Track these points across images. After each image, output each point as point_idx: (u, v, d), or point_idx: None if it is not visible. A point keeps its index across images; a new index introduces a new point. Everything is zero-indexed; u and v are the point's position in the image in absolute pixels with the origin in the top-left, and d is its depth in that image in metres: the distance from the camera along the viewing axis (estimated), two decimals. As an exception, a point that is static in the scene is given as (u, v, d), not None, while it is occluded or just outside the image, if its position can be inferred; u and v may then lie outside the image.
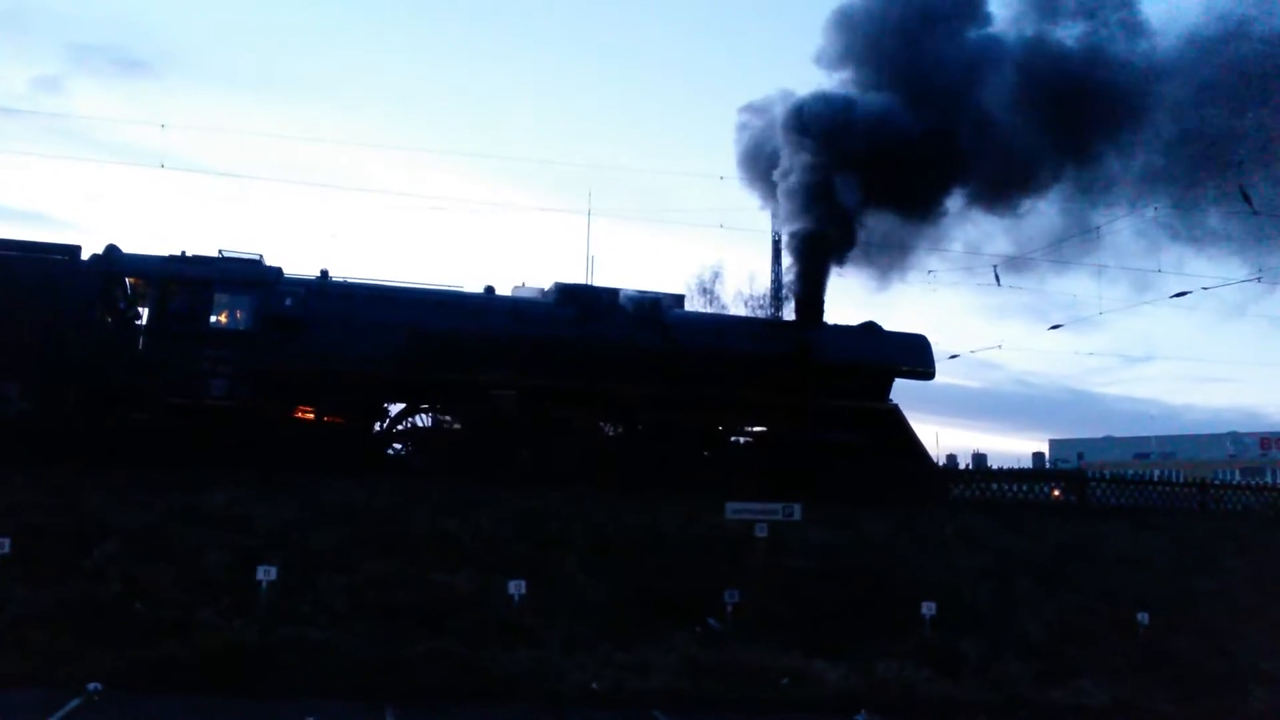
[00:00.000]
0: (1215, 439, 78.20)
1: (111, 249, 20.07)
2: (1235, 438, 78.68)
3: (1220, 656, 16.01)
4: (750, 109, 27.50)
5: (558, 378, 21.53)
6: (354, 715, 10.81)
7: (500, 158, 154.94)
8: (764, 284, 43.41)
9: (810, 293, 24.89)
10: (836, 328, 24.91)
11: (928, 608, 15.20)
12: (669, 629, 14.23)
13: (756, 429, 24.55)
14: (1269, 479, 55.20)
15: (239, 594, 13.24)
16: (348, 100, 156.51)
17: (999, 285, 27.38)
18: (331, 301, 20.80)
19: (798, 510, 17.61)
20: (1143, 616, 16.27)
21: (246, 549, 14.40)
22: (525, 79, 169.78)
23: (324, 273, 21.82)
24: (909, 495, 22.27)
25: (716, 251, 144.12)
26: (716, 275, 44.35)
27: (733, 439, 24.49)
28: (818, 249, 24.80)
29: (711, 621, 14.79)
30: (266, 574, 13.26)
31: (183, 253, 20.51)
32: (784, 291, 42.79)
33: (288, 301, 20.30)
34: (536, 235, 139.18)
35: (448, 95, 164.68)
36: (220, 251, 20.88)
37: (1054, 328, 27.18)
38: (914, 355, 24.73)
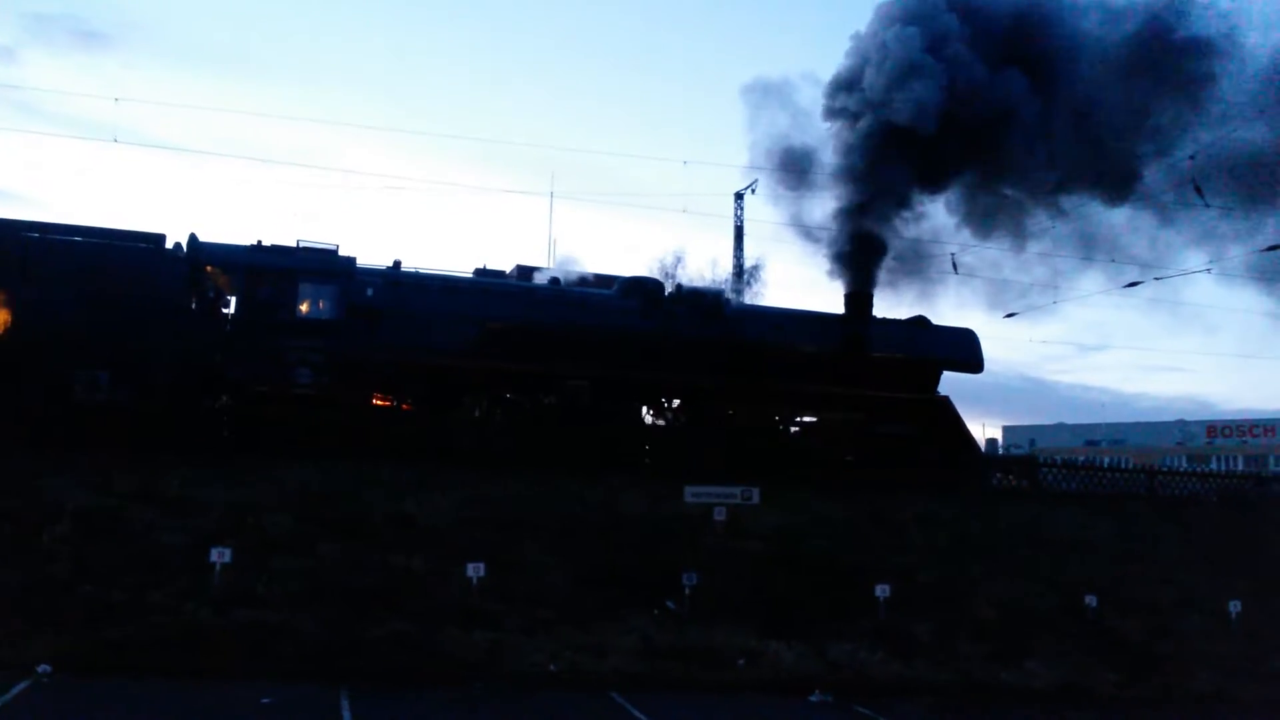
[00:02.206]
0: (1163, 427, 79.84)
1: (194, 238, 20.15)
2: (1183, 426, 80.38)
3: (1165, 638, 16.41)
4: (761, 90, 27.92)
5: (626, 369, 21.91)
6: (309, 697, 10.74)
7: (462, 138, 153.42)
8: (726, 268, 43.59)
9: (860, 286, 25.18)
10: (888, 321, 25.33)
11: (882, 590, 15.43)
12: (627, 611, 14.31)
13: (810, 419, 25.08)
14: (1214, 466, 56.55)
15: (192, 576, 13.10)
16: (307, 78, 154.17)
17: (956, 273, 27.68)
18: (407, 292, 21.03)
19: (756, 494, 17.82)
20: (1091, 599, 16.62)
21: (200, 531, 14.25)
22: (488, 59, 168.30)
23: (397, 263, 22.03)
24: (959, 483, 22.89)
25: (679, 235, 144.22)
26: (679, 259, 44.45)
27: (792, 429, 25.08)
28: (868, 242, 25.09)
29: (669, 604, 14.88)
30: (221, 556, 13.12)
31: (259, 241, 20.64)
32: (745, 277, 43.07)
33: (368, 292, 20.56)
34: (498, 216, 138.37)
35: (409, 74, 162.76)
36: (299, 241, 21.05)
37: (1009, 316, 27.55)
38: (962, 349, 25.32)
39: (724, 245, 44.45)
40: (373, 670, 11.69)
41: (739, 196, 43.21)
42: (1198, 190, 24.42)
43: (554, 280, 23.84)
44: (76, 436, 17.10)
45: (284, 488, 16.42)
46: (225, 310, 20.31)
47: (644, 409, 23.52)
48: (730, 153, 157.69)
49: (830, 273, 25.73)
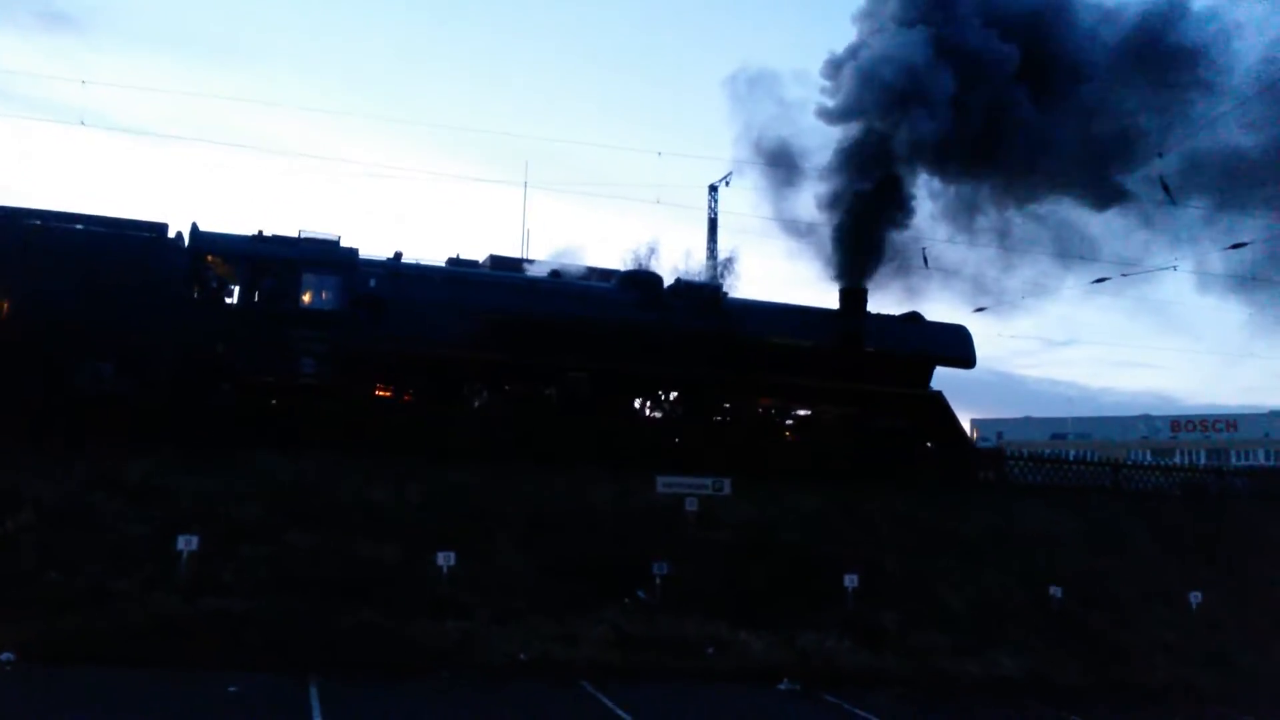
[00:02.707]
0: (1129, 421, 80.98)
1: (196, 228, 19.98)
2: (1148, 420, 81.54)
3: (1127, 629, 16.68)
4: (745, 81, 27.86)
5: (626, 362, 21.99)
6: (277, 687, 10.68)
7: (435, 126, 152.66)
8: (700, 259, 43.63)
9: (855, 282, 25.32)
10: (883, 317, 25.51)
11: (850, 580, 15.56)
12: (598, 601, 14.34)
13: (804, 413, 25.07)
14: (1178, 460, 57.36)
15: (158, 565, 12.98)
16: (279, 63, 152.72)
17: (926, 267, 27.85)
18: (409, 283, 20.93)
19: (727, 484, 17.89)
20: (1055, 591, 16.84)
21: (167, 520, 14.10)
22: (462, 49, 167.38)
23: (398, 254, 22.01)
24: (952, 477, 23.11)
25: (653, 227, 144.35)
26: (653, 251, 44.46)
27: (787, 423, 24.98)
28: (863, 238, 25.16)
29: (640, 594, 14.92)
30: (188, 544, 13.02)
31: (259, 232, 20.45)
32: (719, 268, 43.14)
33: (371, 282, 20.44)
34: (471, 206, 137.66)
35: (383, 63, 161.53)
36: (300, 232, 20.90)
37: (978, 310, 27.70)
38: (955, 345, 25.53)
39: (698, 237, 44.49)
40: (342, 660, 11.64)
41: (713, 189, 43.20)
42: (1165, 188, 24.73)
43: (554, 273, 23.93)
44: (77, 428, 16.82)
45: (251, 477, 16.27)
46: (228, 300, 20.20)
47: (642, 402, 23.61)
48: (704, 145, 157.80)
49: (825, 266, 25.90)
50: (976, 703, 13.28)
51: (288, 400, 19.46)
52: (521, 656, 12.45)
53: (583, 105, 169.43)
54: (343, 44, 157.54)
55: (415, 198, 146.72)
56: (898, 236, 25.81)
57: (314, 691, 10.46)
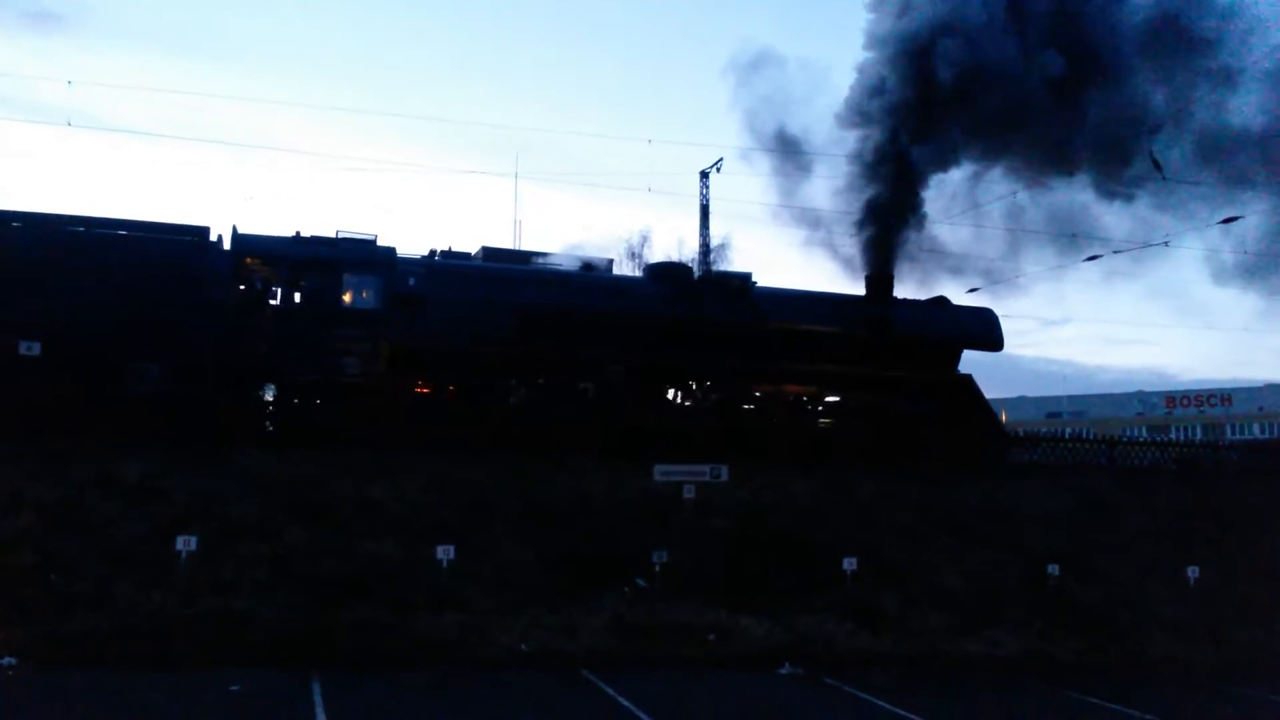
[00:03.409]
0: (1124, 398, 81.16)
1: (236, 230, 20.24)
2: (1142, 396, 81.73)
3: (1124, 606, 16.75)
4: (750, 64, 28.04)
5: (661, 353, 22.30)
6: (279, 684, 10.72)
7: (425, 119, 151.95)
8: (692, 247, 43.57)
9: (882, 268, 25.55)
10: (911, 302, 25.72)
11: (849, 564, 15.62)
12: (598, 590, 14.39)
13: (834, 399, 25.26)
14: (1173, 436, 57.56)
15: (158, 565, 13.00)
16: (265, 60, 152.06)
17: (921, 248, 27.87)
18: (448, 281, 21.24)
19: (725, 471, 17.90)
20: (1053, 569, 16.91)
21: (165, 520, 14.11)
22: (451, 40, 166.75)
23: (433, 252, 22.42)
24: (984, 459, 23.38)
25: (644, 215, 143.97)
26: (645, 239, 44.40)
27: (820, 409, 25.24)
28: (888, 224, 25.38)
29: (640, 582, 14.97)
30: (186, 544, 13.04)
31: (297, 233, 20.77)
32: (712, 255, 43.09)
33: (410, 281, 20.74)
34: (462, 197, 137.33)
35: (371, 56, 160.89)
36: (338, 232, 21.21)
37: (971, 290, 27.73)
38: (982, 328, 25.76)
39: (690, 224, 44.45)
40: (343, 655, 11.69)
41: (704, 175, 43.13)
42: (1155, 164, 24.81)
43: (586, 266, 24.31)
44: (126, 428, 17.08)
45: (248, 475, 16.26)
46: (271, 302, 20.42)
47: (675, 392, 23.92)
48: (695, 132, 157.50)
49: (839, 251, 26.18)
50: (976, 682, 13.36)
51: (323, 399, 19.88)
52: (523, 647, 12.50)
53: (572, 95, 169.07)
54: (329, 38, 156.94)
55: (404, 190, 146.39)
56: (914, 221, 25.99)
57: (316, 687, 10.49)
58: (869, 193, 25.34)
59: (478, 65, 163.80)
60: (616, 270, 27.10)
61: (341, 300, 20.27)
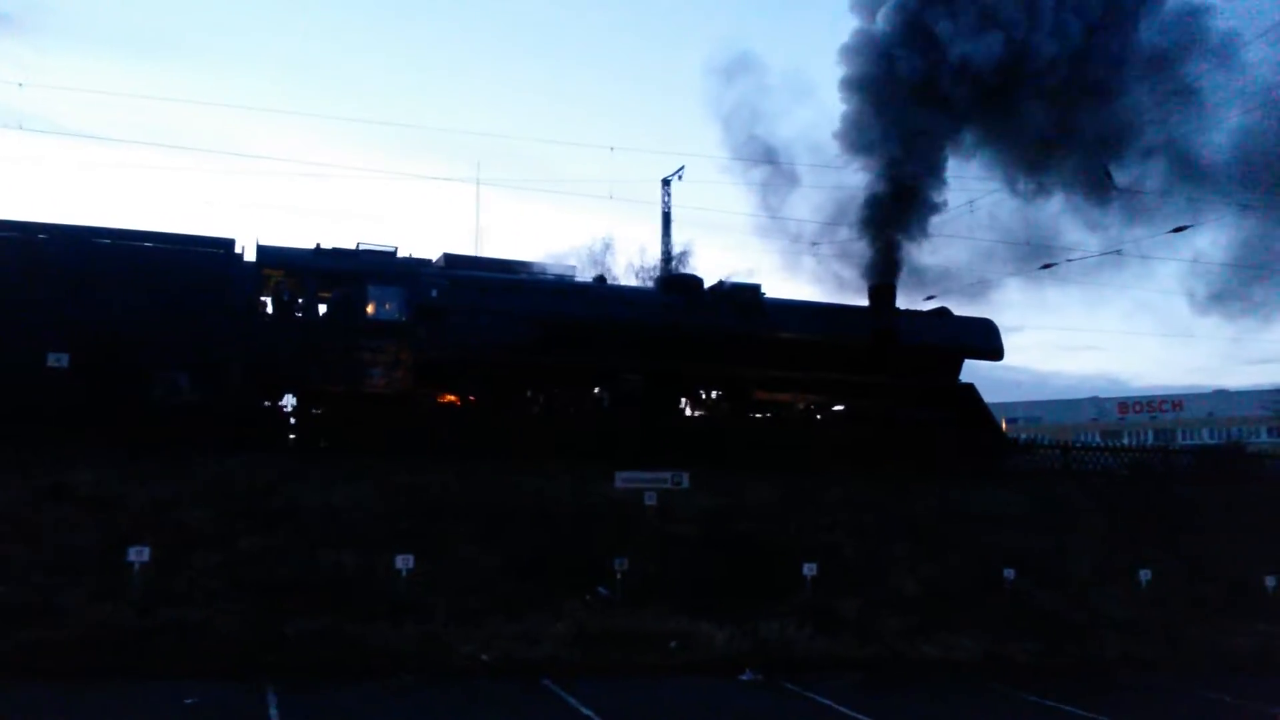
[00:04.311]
0: (1078, 404, 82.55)
1: (260, 242, 20.44)
2: (1096, 402, 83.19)
3: (1080, 608, 17.00)
4: (730, 69, 28.33)
5: (674, 362, 22.80)
6: (235, 696, 10.54)
7: (386, 124, 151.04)
8: (655, 254, 43.69)
9: (885, 279, 26.11)
10: (914, 313, 26.36)
11: (809, 569, 15.71)
12: (559, 598, 14.33)
13: (839, 408, 25.82)
14: (1126, 441, 58.57)
15: (109, 575, 12.75)
16: (223, 63, 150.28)
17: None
18: (469, 292, 21.57)
19: (686, 478, 17.96)
20: (1009, 572, 17.12)
21: (116, 528, 13.86)
22: (412, 45, 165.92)
23: (451, 260, 22.85)
24: (987, 466, 24.18)
25: (606, 222, 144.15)
26: (607, 246, 44.48)
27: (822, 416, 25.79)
28: (892, 236, 25.97)
29: (601, 590, 14.95)
30: (139, 554, 12.81)
31: (318, 245, 21.02)
32: (674, 263, 43.24)
33: (433, 292, 21.06)
34: (423, 203, 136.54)
35: (331, 60, 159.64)
36: (358, 244, 21.49)
37: (928, 298, 28.08)
38: (984, 338, 26.48)
39: (652, 232, 44.58)
40: (300, 666, 11.52)
41: (666, 183, 43.30)
42: (1107, 174, 25.36)
43: (599, 278, 25.21)
44: (152, 438, 17.25)
45: (203, 482, 16.05)
46: (297, 314, 20.63)
47: (687, 401, 24.50)
48: (656, 139, 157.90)
49: (846, 259, 26.77)
50: (935, 685, 13.46)
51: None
52: (483, 657, 12.41)
53: (533, 101, 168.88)
54: (287, 41, 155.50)
55: (365, 196, 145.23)
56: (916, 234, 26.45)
57: (272, 699, 10.33)
58: (871, 206, 25.88)
59: (439, 71, 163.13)
60: (579, 277, 27.20)
61: (365, 311, 20.62)
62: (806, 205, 31.02)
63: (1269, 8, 26.00)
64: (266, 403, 20.34)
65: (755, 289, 24.56)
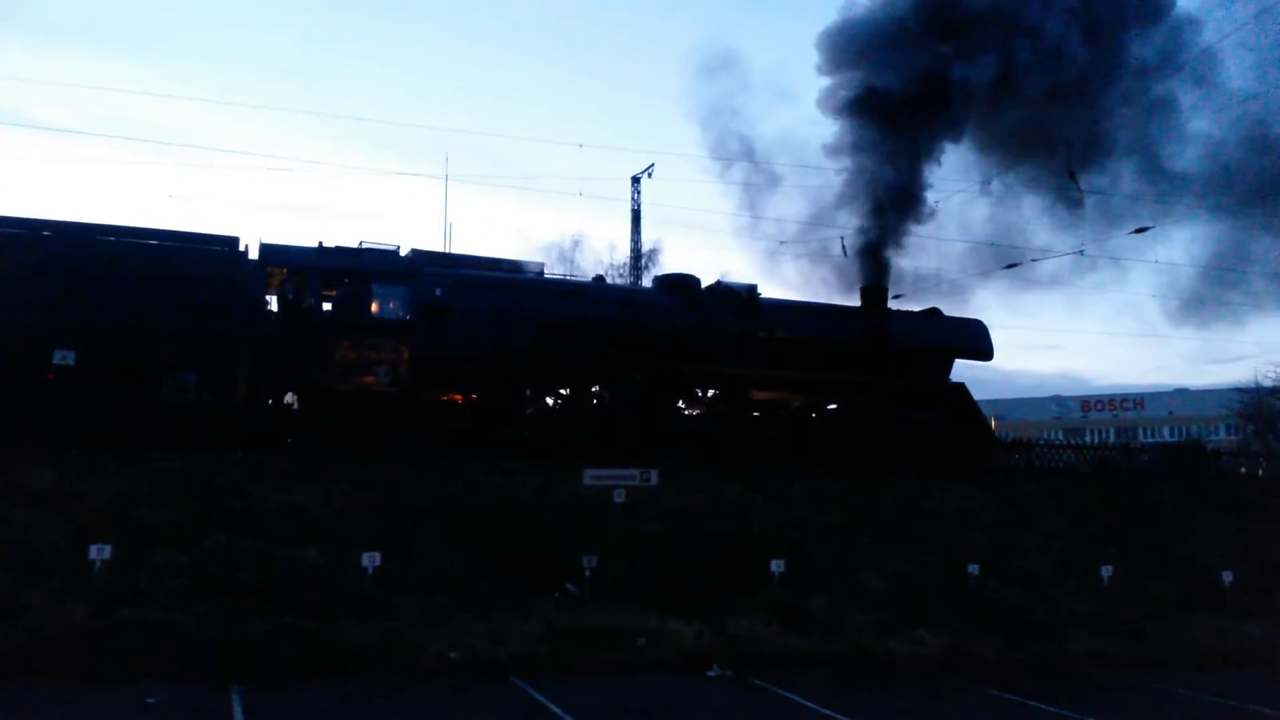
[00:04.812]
0: (1041, 402, 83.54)
1: (263, 241, 20.45)
2: (1059, 400, 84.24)
3: (1041, 603, 17.21)
4: (711, 67, 28.53)
5: (673, 362, 22.96)
6: (198, 696, 10.41)
7: (352, 118, 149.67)
8: (624, 252, 43.72)
9: (877, 280, 26.44)
10: (906, 314, 26.67)
11: (777, 565, 15.79)
12: (528, 596, 14.29)
13: (833, 407, 26.16)
14: (1088, 438, 59.38)
15: (71, 575, 12.55)
16: (186, 56, 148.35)
17: (845, 256, 28.40)
18: (472, 291, 21.62)
19: (654, 475, 17.99)
20: (973, 568, 17.31)
21: (77, 527, 13.65)
22: (379, 39, 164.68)
23: (456, 259, 22.99)
24: (977, 463, 24.61)
25: (575, 219, 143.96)
26: (577, 244, 44.46)
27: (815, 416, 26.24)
28: (882, 237, 26.31)
29: (569, 587, 14.93)
30: (100, 553, 12.63)
31: (320, 243, 21.03)
32: (643, 260, 43.29)
33: (436, 292, 21.07)
34: (391, 199, 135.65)
35: (297, 54, 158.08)
36: (360, 242, 21.55)
37: (895, 297, 28.31)
38: (974, 338, 26.85)
39: (621, 229, 44.58)
40: (265, 666, 11.41)
41: (635, 180, 43.37)
42: (1071, 176, 25.72)
43: (598, 278, 25.52)
44: (162, 437, 17.28)
45: (165, 480, 15.85)
46: (302, 312, 20.61)
47: (685, 400, 24.79)
48: (626, 137, 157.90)
49: (838, 262, 27.23)
50: (900, 680, 13.59)
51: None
52: (450, 655, 12.35)
53: (503, 98, 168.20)
54: (252, 34, 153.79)
55: (332, 190, 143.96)
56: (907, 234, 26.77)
57: (236, 699, 10.23)
58: (864, 207, 26.26)
59: (407, 66, 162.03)
60: (548, 273, 27.21)
61: (371, 310, 20.65)
62: (780, 204, 31.27)
63: (1248, 18, 26.37)
64: (270, 401, 20.43)
65: (752, 289, 24.78)
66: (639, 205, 43.39)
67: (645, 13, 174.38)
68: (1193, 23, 26.32)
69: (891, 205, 25.94)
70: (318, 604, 12.95)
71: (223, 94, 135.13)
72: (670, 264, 47.48)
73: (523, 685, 11.52)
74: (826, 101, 26.41)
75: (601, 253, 48.25)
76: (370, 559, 13.70)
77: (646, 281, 37.55)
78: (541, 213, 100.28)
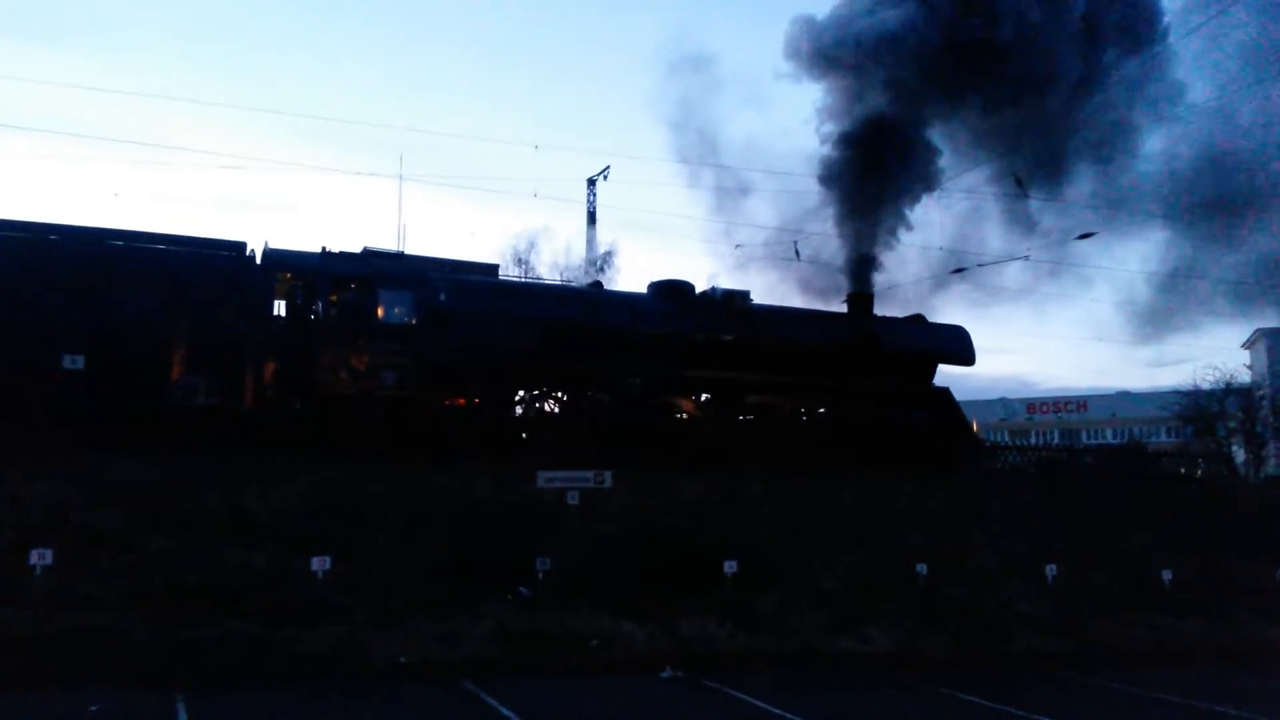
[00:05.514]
0: (988, 404, 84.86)
1: (268, 245, 20.48)
2: (1005, 403, 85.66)
3: (989, 602, 17.48)
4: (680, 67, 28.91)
5: (669, 366, 23.32)
6: (141, 704, 10.24)
7: (305, 117, 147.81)
8: (581, 253, 43.68)
9: (863, 286, 27.05)
10: (892, 319, 27.23)
11: (730, 566, 15.87)
12: (481, 599, 14.22)
13: (821, 410, 26.43)
14: (1033, 440, 60.46)
15: (10, 580, 12.25)
16: (134, 51, 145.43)
17: (798, 259, 28.72)
18: (474, 297, 21.89)
19: (609, 477, 17.99)
20: (921, 567, 17.54)
21: (18, 531, 13.32)
22: (333, 38, 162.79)
23: (456, 266, 23.35)
24: (961, 465, 25.35)
25: (531, 220, 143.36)
26: (532, 245, 44.34)
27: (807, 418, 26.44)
28: (869, 244, 26.93)
29: (523, 590, 14.88)
30: (41, 557, 12.34)
31: (324, 248, 21.25)
32: (599, 262, 43.27)
33: (440, 296, 21.21)
34: (344, 198, 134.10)
35: (247, 52, 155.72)
36: (364, 248, 21.91)
37: (846, 300, 28.60)
38: (957, 344, 27.51)
39: (577, 231, 44.53)
40: (211, 672, 11.23)
41: (591, 182, 43.34)
42: (1017, 180, 26.27)
43: (595, 283, 26.06)
44: (166, 440, 17.27)
45: (110, 483, 15.52)
46: (309, 317, 20.63)
47: (680, 403, 25.02)
48: (582, 138, 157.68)
49: (840, 272, 27.59)
50: (850, 678, 13.73)
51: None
52: (402, 659, 12.25)
53: (458, 98, 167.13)
54: (201, 30, 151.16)
55: (283, 189, 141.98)
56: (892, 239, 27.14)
57: (181, 707, 10.05)
58: (849, 216, 26.77)
59: (361, 64, 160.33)
60: (503, 274, 27.25)
61: (378, 315, 20.74)
62: (742, 207, 31.62)
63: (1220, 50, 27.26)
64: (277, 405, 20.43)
65: (744, 295, 25.22)
66: (594, 207, 43.39)
67: (601, 15, 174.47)
68: (1173, 55, 27.15)
69: (878, 214, 26.57)
70: (267, 609, 12.77)
71: (169, 90, 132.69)
72: (626, 266, 47.58)
73: (475, 689, 11.46)
74: (822, 112, 26.98)
75: (557, 254, 48.14)
76: (320, 562, 13.55)
77: (608, 284, 37.54)
78: (496, 214, 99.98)
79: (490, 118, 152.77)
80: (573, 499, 17.47)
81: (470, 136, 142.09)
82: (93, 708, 9.82)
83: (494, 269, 26.64)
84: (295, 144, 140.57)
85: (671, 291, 24.85)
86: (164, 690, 10.52)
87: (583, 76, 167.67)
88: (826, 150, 27.12)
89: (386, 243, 39.81)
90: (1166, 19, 27.24)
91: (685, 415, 24.89)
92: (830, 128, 26.99)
